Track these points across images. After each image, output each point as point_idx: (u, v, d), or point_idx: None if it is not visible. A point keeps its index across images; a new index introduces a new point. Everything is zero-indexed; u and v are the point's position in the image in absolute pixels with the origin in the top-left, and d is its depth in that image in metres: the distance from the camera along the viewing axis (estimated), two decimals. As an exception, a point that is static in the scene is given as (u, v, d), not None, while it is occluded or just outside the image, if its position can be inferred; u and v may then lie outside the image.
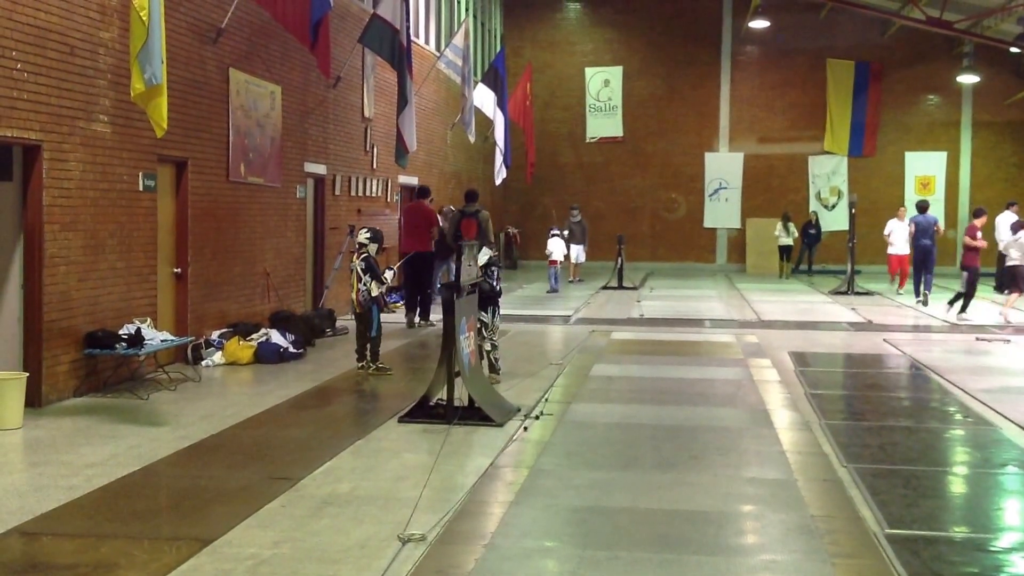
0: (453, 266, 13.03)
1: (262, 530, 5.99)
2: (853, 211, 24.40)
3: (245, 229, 13.72)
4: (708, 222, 32.88)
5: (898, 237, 23.11)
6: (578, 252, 25.43)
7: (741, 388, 11.09)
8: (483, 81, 23.41)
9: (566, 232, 24.67)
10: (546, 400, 10.05)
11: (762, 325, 17.21)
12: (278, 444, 8.44)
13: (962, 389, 11.07)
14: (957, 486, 7.73)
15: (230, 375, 11.62)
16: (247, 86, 13.61)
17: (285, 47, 14.67)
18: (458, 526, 6.13)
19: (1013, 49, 27.69)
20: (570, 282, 24.90)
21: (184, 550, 5.59)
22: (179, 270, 12.09)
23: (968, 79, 30.17)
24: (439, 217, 18.05)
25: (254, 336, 12.48)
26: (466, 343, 9.28)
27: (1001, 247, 22.41)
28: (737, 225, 32.54)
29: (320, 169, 16.51)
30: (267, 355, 12.17)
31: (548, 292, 22.52)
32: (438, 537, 5.88)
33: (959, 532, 6.41)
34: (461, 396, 9.03)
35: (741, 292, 23.74)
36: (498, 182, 25.55)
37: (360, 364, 11.64)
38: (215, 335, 12.43)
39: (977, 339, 15.51)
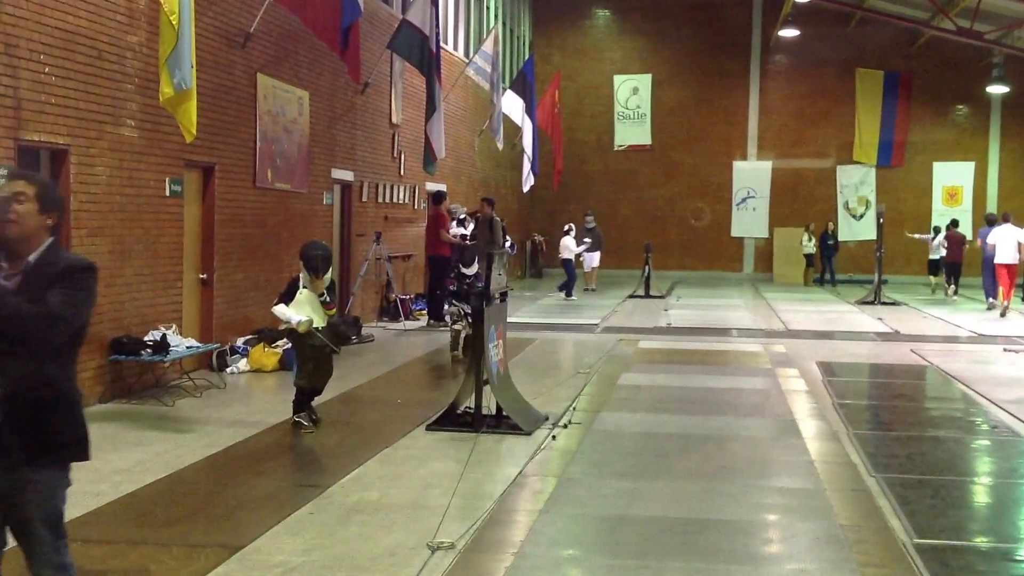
0: (463, 271, 13.18)
1: (291, 537, 6.00)
2: (881, 221, 24.28)
3: (271, 235, 13.77)
4: (735, 231, 32.77)
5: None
6: (592, 258, 25.24)
7: (769, 398, 11.04)
8: (512, 88, 23.43)
9: (586, 240, 24.59)
10: (574, 409, 10.03)
11: (789, 335, 17.13)
12: (305, 451, 8.46)
13: (989, 400, 10.98)
14: (984, 496, 7.68)
15: (255, 382, 11.66)
16: (275, 91, 13.68)
17: (313, 52, 14.74)
18: (487, 534, 6.12)
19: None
20: (585, 290, 24.68)
21: (213, 557, 5.61)
22: (205, 276, 12.15)
23: (997, 89, 29.95)
24: (459, 221, 18.14)
25: (279, 343, 12.52)
26: (495, 351, 9.27)
27: None
28: (764, 234, 32.42)
29: (347, 175, 16.56)
30: (292, 362, 12.20)
31: (565, 298, 22.48)
32: (467, 545, 5.88)
33: (987, 542, 6.39)
34: (489, 404, 9.02)
35: (768, 301, 23.64)
36: (526, 189, 25.56)
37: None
38: (240, 342, 12.48)
39: (1005, 350, 15.38)
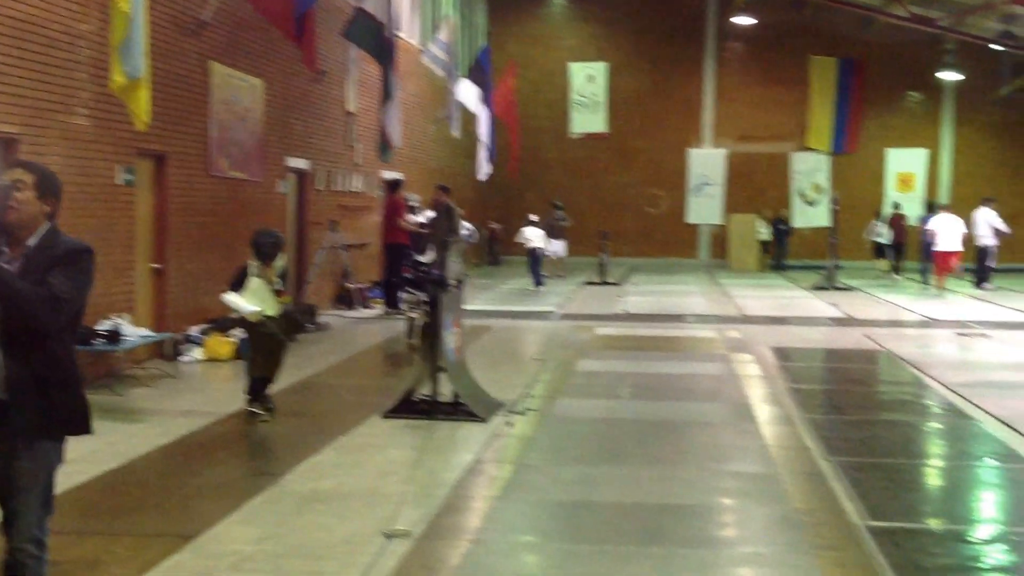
0: (418, 258, 13.17)
1: (245, 526, 5.96)
2: (835, 207, 24.59)
3: (226, 224, 13.65)
4: (691, 218, 32.85)
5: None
6: (559, 247, 25.40)
7: (724, 383, 11.12)
8: (467, 76, 23.36)
9: (547, 228, 24.62)
10: (531, 396, 10.04)
11: (744, 320, 17.26)
12: (259, 440, 8.40)
13: (942, 383, 11.12)
14: (937, 479, 7.80)
15: (210, 371, 11.56)
16: (229, 80, 13.55)
17: (268, 40, 14.60)
18: (444, 522, 6.11)
19: (995, 46, 27.84)
20: (551, 277, 24.70)
21: (165, 546, 5.55)
22: (159, 265, 12.02)
23: (950, 76, 30.30)
24: (410, 209, 18.10)
25: (234, 332, 12.41)
26: (451, 339, 9.26)
27: (977, 243, 23.25)
28: (719, 221, 32.59)
29: (303, 164, 16.45)
30: (247, 351, 12.10)
31: (532, 287, 22.49)
32: (424, 533, 5.86)
33: (939, 524, 6.46)
34: (445, 392, 9.01)
35: (723, 287, 23.81)
36: (481, 177, 25.52)
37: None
38: (195, 331, 12.37)
39: (956, 334, 15.60)
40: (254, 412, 8.88)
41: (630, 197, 32.97)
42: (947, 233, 22.35)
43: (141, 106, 9.41)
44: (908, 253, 26.69)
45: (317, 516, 6.17)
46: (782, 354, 13.25)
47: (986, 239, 23.72)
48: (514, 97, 28.19)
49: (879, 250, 27.61)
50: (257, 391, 8.97)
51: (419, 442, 7.96)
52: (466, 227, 18.57)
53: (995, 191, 27.38)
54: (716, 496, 6.83)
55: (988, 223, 23.66)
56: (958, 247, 22.34)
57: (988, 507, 7.07)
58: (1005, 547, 5.96)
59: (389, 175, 20.24)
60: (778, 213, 30.90)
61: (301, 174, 16.59)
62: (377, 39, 15.92)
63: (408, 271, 13.44)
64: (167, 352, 11.60)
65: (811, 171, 32.87)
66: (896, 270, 26.43)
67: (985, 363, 13.07)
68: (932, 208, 24.54)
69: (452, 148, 26.51)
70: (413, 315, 13.12)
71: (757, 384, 11.07)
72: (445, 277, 9.34)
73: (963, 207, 27.30)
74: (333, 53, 17.12)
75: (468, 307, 15.26)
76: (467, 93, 22.71)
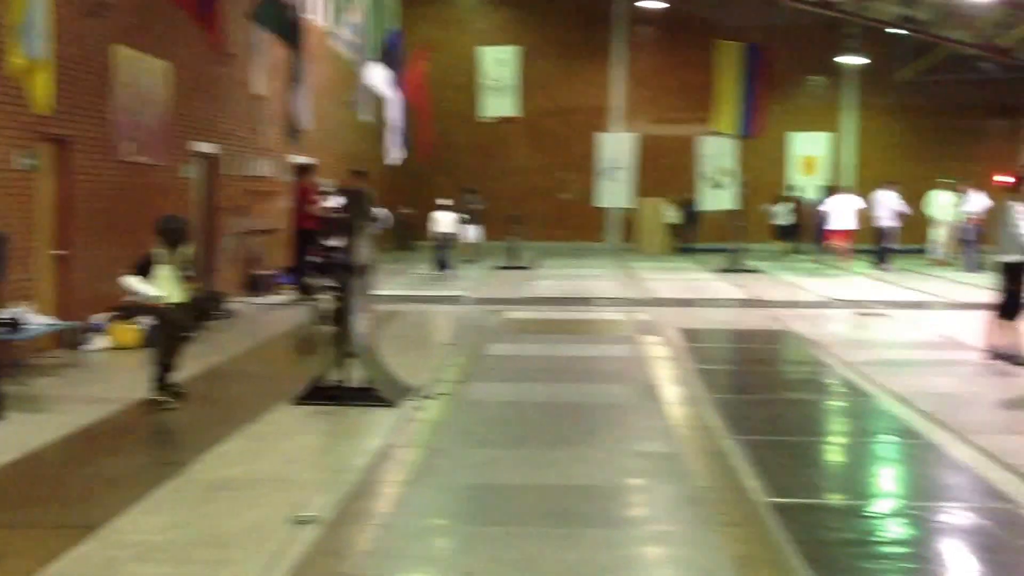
0: (326, 243, 13.08)
1: (151, 515, 5.90)
2: (745, 191, 25.10)
3: (132, 209, 13.39)
4: (601, 202, 33.13)
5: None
6: (473, 232, 25.42)
7: (632, 365, 11.28)
8: (377, 59, 23.18)
9: (463, 211, 24.68)
10: (441, 380, 10.07)
11: (653, 302, 17.47)
12: (166, 429, 8.31)
13: (842, 362, 11.42)
14: (837, 455, 8.03)
15: (117, 359, 11.36)
16: (134, 62, 13.28)
17: (174, 22, 14.32)
18: (353, 507, 6.12)
19: (895, 31, 28.54)
20: (464, 262, 24.79)
21: (69, 537, 5.46)
22: (62, 252, 11.77)
23: (852, 61, 30.97)
24: (322, 194, 17.99)
25: (140, 319, 12.20)
26: (361, 324, 9.24)
27: (878, 224, 24.32)
28: (629, 205, 32.91)
29: (210, 148, 16.21)
30: (154, 338, 11.92)
31: (440, 272, 22.49)
32: (333, 518, 5.87)
33: (838, 499, 6.65)
34: (355, 377, 8.99)
35: (632, 270, 24.09)
36: (392, 162, 25.38)
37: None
38: (101, 319, 12.14)
39: (857, 313, 16.02)
40: (160, 400, 8.77)
41: (541, 181, 33.12)
42: (840, 212, 24.09)
43: (42, 89, 9.18)
44: (806, 234, 28.12)
45: (224, 504, 6.14)
46: (689, 335, 13.47)
47: (886, 221, 24.46)
48: (425, 81, 28.06)
49: (778, 232, 29.00)
50: (163, 379, 8.86)
51: (328, 428, 7.96)
52: (379, 212, 18.49)
53: (898, 174, 28.12)
54: (623, 476, 6.96)
55: (888, 205, 24.40)
56: (851, 226, 23.94)
57: (886, 482, 7.31)
58: (902, 520, 6.16)
59: (299, 159, 20.06)
60: (686, 197, 31.33)
61: (208, 158, 16.35)
62: (285, 21, 15.71)
63: (315, 256, 13.29)
64: (71, 340, 11.37)
65: (718, 155, 33.32)
66: (796, 251, 27.98)
67: (883, 342, 13.45)
68: (829, 191, 26.26)
69: (362, 132, 26.25)
70: (319, 301, 13.04)
71: (664, 365, 11.25)
72: (354, 262, 9.32)
73: (867, 190, 28.05)
74: (240, 35, 16.87)
75: (379, 292, 15.24)
76: (377, 77, 22.55)
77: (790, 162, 32.63)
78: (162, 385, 8.83)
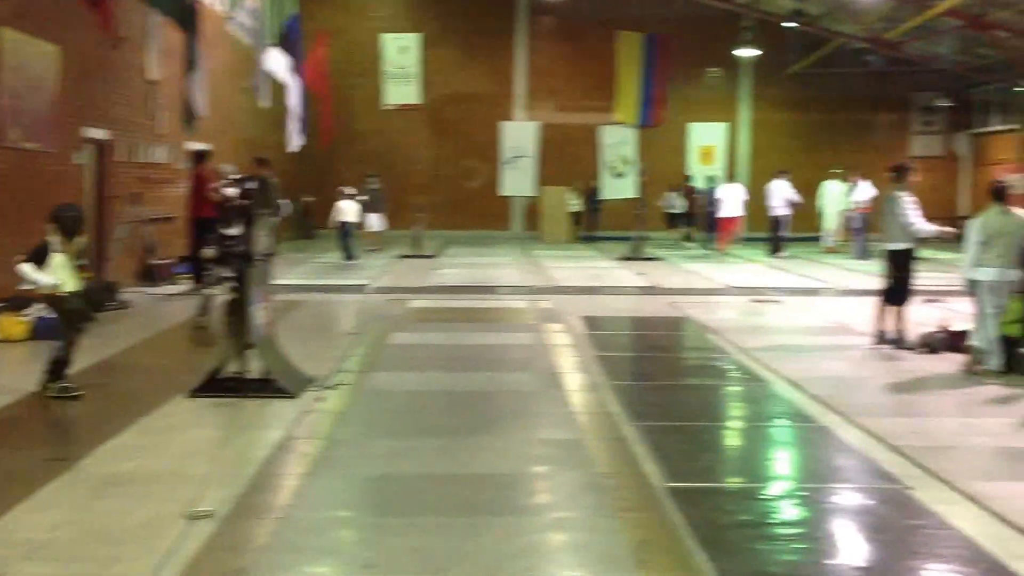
0: (224, 231, 12.88)
1: (38, 514, 5.72)
2: (642, 180, 25.42)
3: (18, 198, 13.00)
4: (504, 190, 33.20)
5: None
6: (376, 220, 25.37)
7: (535, 353, 11.32)
8: (276, 45, 22.84)
9: (365, 199, 24.59)
10: (343, 370, 9.98)
11: (555, 291, 17.58)
12: (56, 423, 8.08)
13: (738, 347, 11.63)
14: (733, 439, 8.17)
15: (2, 353, 11.01)
16: (20, 46, 12.87)
17: (63, 5, 13.93)
18: (250, 500, 6.02)
19: (787, 24, 29.13)
20: (368, 251, 24.74)
21: (-47, 537, 5.30)
22: (-54, 242, 11.38)
23: (747, 53, 31.51)
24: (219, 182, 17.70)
25: (29, 311, 11.85)
26: (259, 314, 9.11)
27: (772, 213, 25.00)
28: (532, 193, 33.03)
29: (102, 134, 15.81)
30: (44, 331, 11.57)
31: (345, 261, 22.33)
32: (229, 513, 5.77)
33: (734, 483, 6.78)
34: (254, 368, 8.87)
35: (536, 259, 24.20)
36: (292, 149, 25.06)
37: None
38: (-12, 310, 11.77)
39: (752, 300, 16.33)
40: (60, 392, 8.57)
41: (445, 169, 33.06)
42: (730, 201, 25.29)
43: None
44: (699, 222, 29.15)
45: (116, 500, 5.99)
46: (591, 323, 13.57)
47: (780, 209, 25.00)
48: (326, 67, 27.76)
49: (671, 220, 30.22)
50: (60, 371, 8.64)
51: (226, 421, 7.82)
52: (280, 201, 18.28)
53: (790, 164, 28.77)
54: (524, 464, 6.97)
55: (782, 194, 24.94)
56: (739, 213, 25.41)
57: (780, 465, 7.46)
58: (795, 502, 6.29)
59: (195, 146, 19.65)
60: (589, 185, 31.57)
61: (100, 145, 15.94)
62: (179, 4, 15.38)
63: (209, 244, 13.06)
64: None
65: (619, 144, 33.72)
66: (689, 238, 29.09)
67: (777, 327, 13.73)
68: (715, 180, 27.77)
69: (263, 119, 25.88)
70: (210, 292, 12.85)
71: (567, 353, 11.32)
72: (253, 251, 9.18)
73: (761, 179, 28.66)
74: (133, 18, 16.48)
75: (280, 281, 15.05)
76: (276, 62, 22.22)
77: (689, 152, 33.12)
78: (59, 377, 8.61)
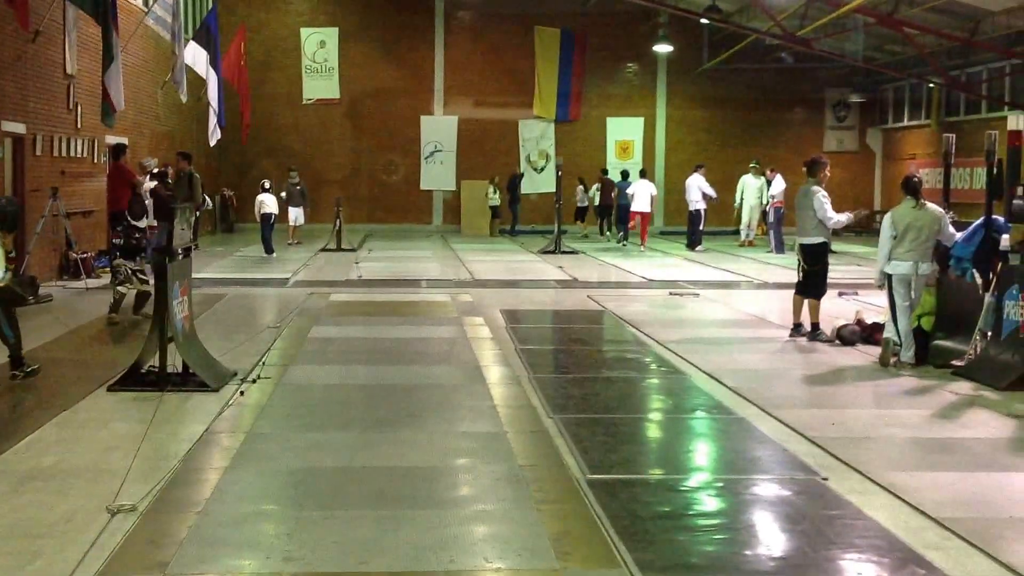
0: (133, 223, 12.91)
1: (-43, 510, 5.69)
2: (559, 174, 25.65)
3: (-70, 191, 12.75)
4: (425, 184, 33.27)
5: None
6: (297, 214, 25.38)
7: (456, 346, 11.40)
8: (195, 39, 22.60)
9: (283, 195, 24.53)
10: (263, 364, 9.97)
11: (476, 284, 17.69)
12: (-26, 420, 7.97)
13: (657, 341, 11.83)
14: (652, 431, 8.30)
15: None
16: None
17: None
18: (171, 495, 6.03)
19: (702, 20, 29.53)
20: (289, 244, 24.68)
21: None
22: None
23: (663, 49, 31.88)
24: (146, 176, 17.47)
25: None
26: (179, 308, 9.08)
27: (691, 208, 25.46)
28: (452, 187, 33.11)
29: (19, 128, 15.54)
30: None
31: (266, 254, 22.18)
32: (150, 507, 5.78)
33: (654, 474, 6.87)
34: (175, 362, 8.84)
35: (456, 252, 24.26)
36: (212, 143, 24.84)
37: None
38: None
39: (670, 294, 16.60)
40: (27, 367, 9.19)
41: (365, 163, 32.95)
42: (639, 196, 26.19)
43: None
44: (608, 216, 29.65)
45: (36, 495, 5.96)
46: (511, 316, 13.70)
47: (698, 204, 25.40)
48: (244, 61, 27.52)
49: (578, 213, 30.84)
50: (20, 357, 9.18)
51: (147, 415, 7.78)
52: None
53: (705, 158, 29.30)
54: (446, 457, 7.03)
55: (700, 188, 25.34)
56: (646, 208, 26.41)
57: (698, 456, 7.55)
58: (713, 493, 6.38)
59: (114, 140, 19.37)
60: (509, 179, 31.71)
61: (17, 139, 15.66)
62: (96, -2, 15.17)
63: (119, 237, 12.95)
64: None
65: (538, 138, 33.98)
66: (602, 231, 29.77)
67: (695, 320, 13.98)
68: (626, 175, 28.36)
69: (182, 113, 25.64)
70: (122, 289, 12.73)
71: (487, 346, 11.42)
72: (173, 245, 9.14)
73: (678, 174, 29.14)
74: (49, 12, 16.20)
75: (200, 275, 14.94)
76: (195, 56, 21.99)
77: (608, 146, 33.49)
78: (23, 363, 9.11)
